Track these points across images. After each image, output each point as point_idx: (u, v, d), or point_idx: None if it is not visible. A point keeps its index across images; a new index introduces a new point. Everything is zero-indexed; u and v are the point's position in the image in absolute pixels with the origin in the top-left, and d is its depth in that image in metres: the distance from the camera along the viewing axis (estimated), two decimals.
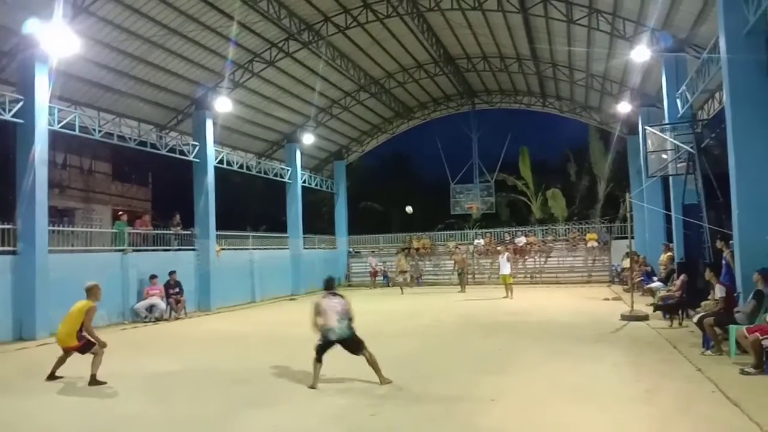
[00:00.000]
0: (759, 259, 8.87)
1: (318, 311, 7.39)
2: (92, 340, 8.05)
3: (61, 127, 14.78)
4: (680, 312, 12.09)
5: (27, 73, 13.19)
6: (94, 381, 7.78)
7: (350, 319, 7.39)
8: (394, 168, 42.10)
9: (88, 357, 8.00)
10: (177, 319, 15.97)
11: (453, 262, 24.27)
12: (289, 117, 24.63)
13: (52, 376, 8.17)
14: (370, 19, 19.51)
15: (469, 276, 26.60)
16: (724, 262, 10.62)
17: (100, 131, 16.18)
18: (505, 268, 19.70)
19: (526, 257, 26.92)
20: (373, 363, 7.32)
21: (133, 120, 18.82)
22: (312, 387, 7.18)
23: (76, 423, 6.08)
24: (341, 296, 7.57)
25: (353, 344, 7.37)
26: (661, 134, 14.63)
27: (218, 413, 6.23)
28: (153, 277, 15.87)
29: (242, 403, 6.63)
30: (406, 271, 23.28)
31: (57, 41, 12.05)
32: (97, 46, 15.44)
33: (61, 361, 8.29)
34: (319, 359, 7.29)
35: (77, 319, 8.04)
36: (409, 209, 23.54)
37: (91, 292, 8.31)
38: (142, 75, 17.64)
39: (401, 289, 22.22)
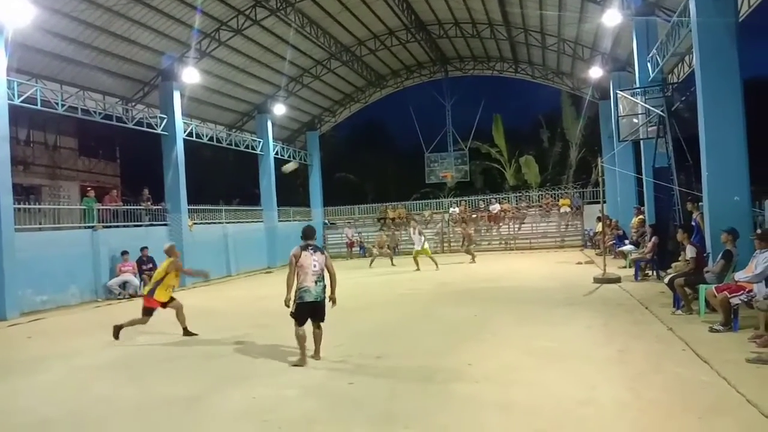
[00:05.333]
0: (727, 219, 9.05)
1: (296, 266, 6.72)
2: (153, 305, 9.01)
3: (21, 102, 14.26)
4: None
5: None
6: (186, 332, 9.21)
7: (325, 280, 6.83)
8: (368, 138, 41.81)
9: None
10: None
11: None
12: (258, 87, 24.19)
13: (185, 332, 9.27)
14: None
15: (445, 244, 26.85)
16: (694, 223, 10.81)
17: (63, 105, 15.67)
18: (417, 244, 19.44)
19: (501, 224, 27.16)
20: (318, 337, 6.93)
21: (98, 93, 18.33)
22: (298, 365, 6.71)
23: (51, 405, 5.95)
24: (321, 251, 6.89)
25: (322, 310, 6.81)
26: (632, 98, 14.71)
27: (196, 389, 6.17)
28: (124, 253, 15.63)
29: (220, 378, 6.58)
30: (383, 248, 23.29)
31: (11, 10, 11.56)
32: (56, 16, 14.88)
33: (179, 315, 9.30)
34: (301, 328, 6.73)
35: (157, 277, 9.10)
36: (289, 167, 23.41)
37: (171, 251, 9.35)
38: (104, 46, 17.09)
39: (372, 262, 21.97)
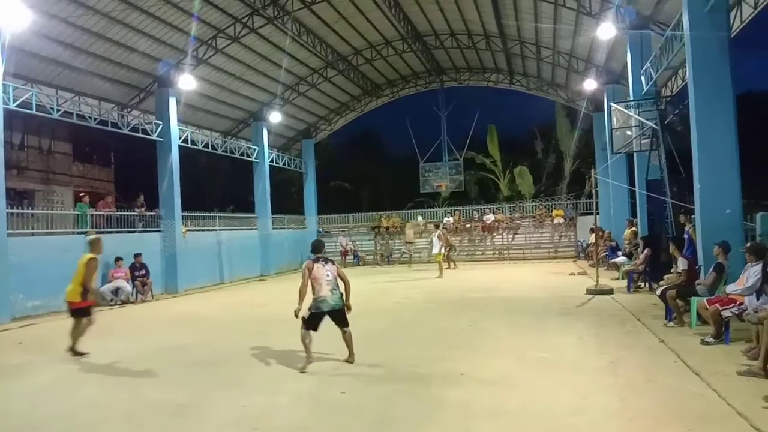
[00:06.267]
0: (719, 232, 9.12)
1: (309, 278, 6.93)
2: (89, 306, 8.15)
3: (17, 106, 14.25)
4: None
5: None
6: (73, 351, 8.04)
7: (342, 288, 7.09)
8: (363, 146, 41.94)
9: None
10: (143, 301, 15.72)
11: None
12: (255, 95, 24.23)
13: (73, 351, 8.16)
14: None
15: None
16: (686, 236, 10.87)
17: (58, 110, 15.67)
18: (436, 248, 19.60)
19: (494, 234, 27.22)
20: (349, 339, 7.11)
21: (94, 98, 18.33)
22: (302, 371, 6.79)
23: (42, 408, 5.93)
24: (332, 262, 7.17)
25: (343, 316, 7.04)
26: (625, 111, 14.79)
27: (186, 396, 6.16)
28: (118, 259, 15.56)
29: (212, 385, 6.57)
30: (412, 242, 23.20)
31: (8, 15, 11.55)
32: (53, 21, 14.89)
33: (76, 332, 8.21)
34: (308, 332, 6.88)
35: (80, 273, 8.06)
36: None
37: (93, 245, 8.40)
38: (101, 52, 17.09)
39: (409, 264, 22.13)
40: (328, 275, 6.95)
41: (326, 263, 7.06)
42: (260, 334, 9.78)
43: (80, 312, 8.16)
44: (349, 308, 7.18)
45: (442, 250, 19.69)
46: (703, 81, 10.07)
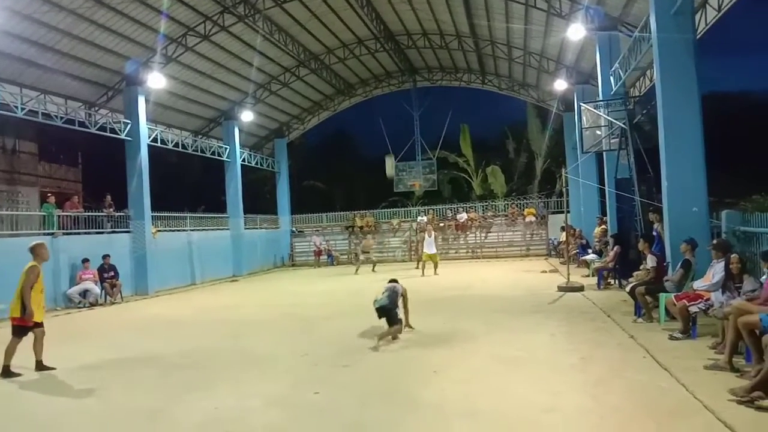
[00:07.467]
0: (686, 229, 9.31)
1: None
2: (26, 326, 7.36)
3: None
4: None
5: None
6: (40, 366, 7.52)
7: (398, 298, 8.83)
8: (337, 146, 41.77)
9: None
10: (112, 303, 15.44)
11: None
12: (226, 93, 23.97)
13: (6, 372, 7.29)
14: None
15: (412, 253, 26.81)
16: (655, 233, 11.07)
17: (23, 109, 15.30)
18: (431, 248, 19.58)
19: (468, 233, 27.39)
20: (386, 332, 8.31)
21: (60, 97, 17.95)
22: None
23: (9, 419, 5.76)
24: (395, 283, 9.17)
25: (387, 316, 8.47)
26: (595, 111, 15.02)
27: (158, 400, 6.05)
28: (85, 260, 15.26)
29: (183, 389, 6.46)
30: (368, 252, 23.28)
31: None
32: (16, 18, 14.51)
33: (38, 344, 7.53)
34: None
35: (20, 284, 7.36)
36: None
37: (35, 252, 7.65)
38: (67, 49, 16.72)
39: (373, 266, 22.02)
40: (388, 284, 9.12)
41: (390, 282, 9.24)
42: (232, 337, 9.67)
43: (20, 330, 7.43)
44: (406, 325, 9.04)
45: (433, 251, 19.69)
46: (670, 82, 10.25)
